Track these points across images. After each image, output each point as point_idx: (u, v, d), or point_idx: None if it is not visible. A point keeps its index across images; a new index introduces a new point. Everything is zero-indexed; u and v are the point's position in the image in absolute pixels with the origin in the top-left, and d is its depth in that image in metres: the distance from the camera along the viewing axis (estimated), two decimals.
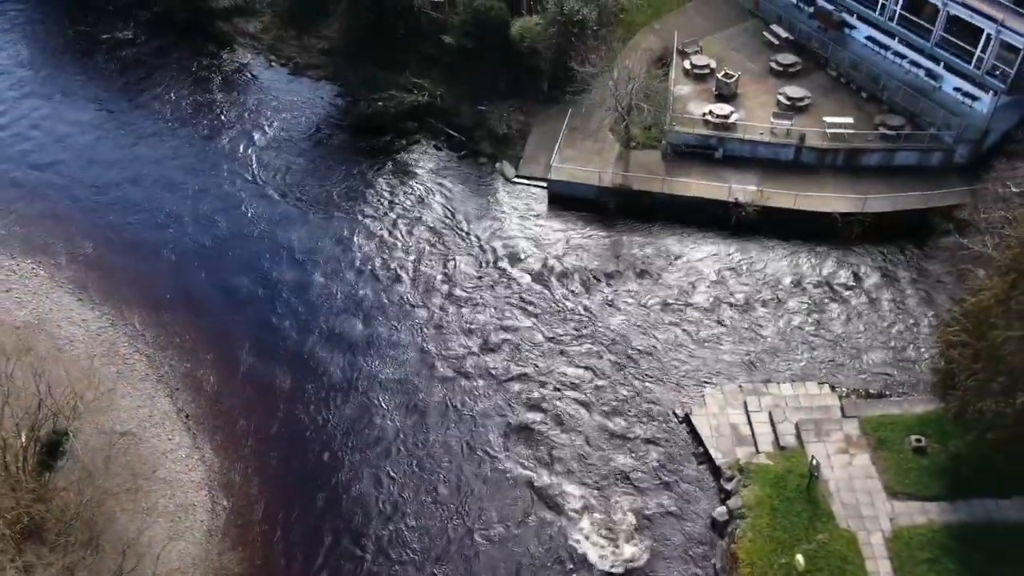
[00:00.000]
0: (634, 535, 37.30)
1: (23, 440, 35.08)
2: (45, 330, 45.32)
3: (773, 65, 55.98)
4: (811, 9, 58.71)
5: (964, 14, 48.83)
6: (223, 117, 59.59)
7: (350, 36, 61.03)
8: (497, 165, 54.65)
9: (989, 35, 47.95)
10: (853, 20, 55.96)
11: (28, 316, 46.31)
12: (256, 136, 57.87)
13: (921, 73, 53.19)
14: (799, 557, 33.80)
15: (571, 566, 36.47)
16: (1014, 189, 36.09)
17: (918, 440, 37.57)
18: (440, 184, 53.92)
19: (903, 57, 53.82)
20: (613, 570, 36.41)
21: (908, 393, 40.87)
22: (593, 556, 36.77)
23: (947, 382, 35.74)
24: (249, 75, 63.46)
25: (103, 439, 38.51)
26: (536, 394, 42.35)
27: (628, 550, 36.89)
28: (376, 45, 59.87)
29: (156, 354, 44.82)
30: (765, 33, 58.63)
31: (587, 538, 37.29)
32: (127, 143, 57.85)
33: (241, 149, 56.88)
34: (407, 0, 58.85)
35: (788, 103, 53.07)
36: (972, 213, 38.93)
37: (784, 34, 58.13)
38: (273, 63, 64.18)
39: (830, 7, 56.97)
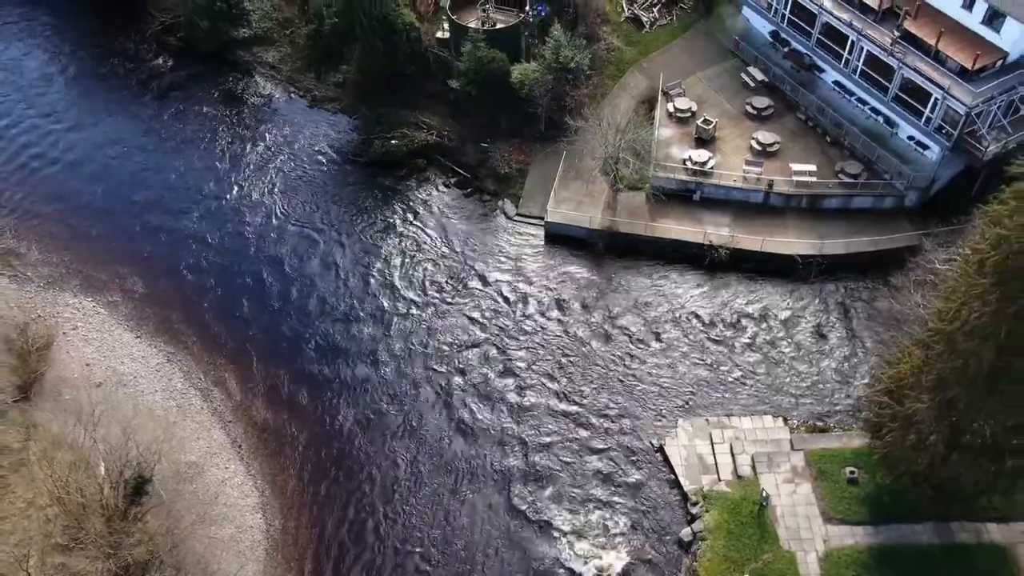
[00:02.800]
0: (614, 546, 45.42)
1: (111, 482, 42.72)
2: (111, 367, 52.65)
3: (748, 108, 61.86)
4: (786, 49, 64.38)
5: (916, 78, 54.64)
6: (252, 148, 65.61)
7: (364, 72, 66.39)
8: (499, 203, 61.09)
9: (936, 99, 53.93)
10: (823, 63, 61.71)
11: (95, 353, 53.42)
12: (281, 167, 64.07)
13: (880, 119, 59.32)
14: None
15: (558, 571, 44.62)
16: (939, 265, 42.81)
17: (852, 472, 45.16)
18: (450, 220, 60.44)
19: (865, 103, 59.84)
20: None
21: (847, 426, 48.32)
22: (577, 565, 44.86)
23: (875, 430, 43.07)
24: (271, 106, 69.15)
25: (173, 471, 46.27)
26: (527, 405, 50.24)
27: (608, 559, 44.99)
28: (388, 82, 65.50)
29: (209, 388, 52.11)
30: (743, 75, 64.24)
31: (572, 547, 45.29)
32: (157, 171, 64.24)
33: (269, 180, 63.22)
34: (417, 44, 64.37)
35: (760, 148, 59.23)
36: (903, 283, 45.71)
37: (760, 77, 63.74)
38: (292, 94, 69.83)
39: (803, 49, 62.65)
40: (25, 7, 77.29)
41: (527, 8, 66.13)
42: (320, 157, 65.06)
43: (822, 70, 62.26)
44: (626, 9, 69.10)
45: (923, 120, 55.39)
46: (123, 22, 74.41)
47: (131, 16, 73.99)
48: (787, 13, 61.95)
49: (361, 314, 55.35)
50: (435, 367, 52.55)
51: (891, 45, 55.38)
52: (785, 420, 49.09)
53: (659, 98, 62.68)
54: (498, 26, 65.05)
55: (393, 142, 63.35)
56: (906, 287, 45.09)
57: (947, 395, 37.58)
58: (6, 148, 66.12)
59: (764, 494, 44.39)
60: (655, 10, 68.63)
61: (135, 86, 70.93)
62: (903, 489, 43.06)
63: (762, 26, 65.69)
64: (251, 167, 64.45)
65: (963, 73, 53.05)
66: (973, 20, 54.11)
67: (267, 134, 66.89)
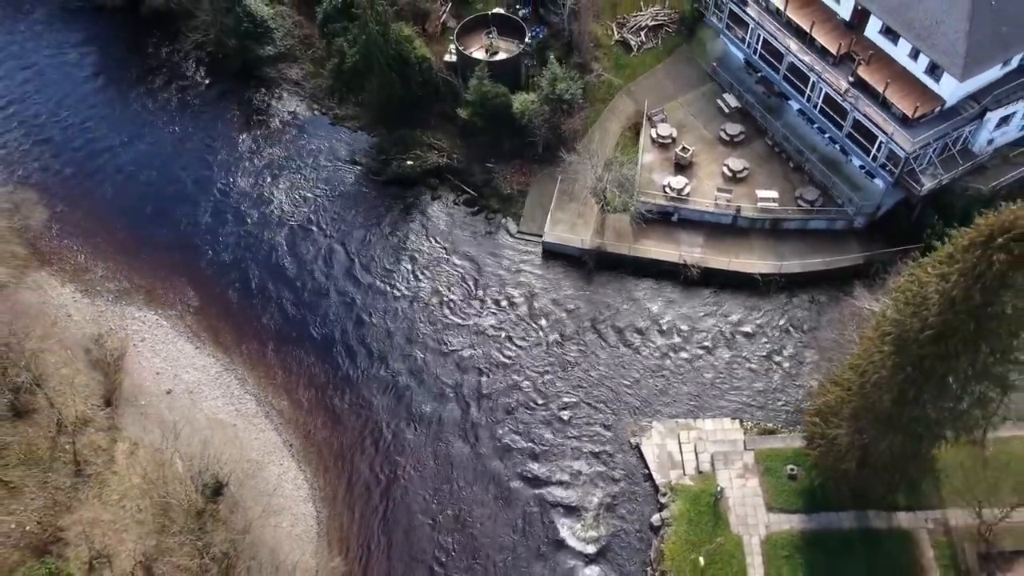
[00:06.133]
0: (598, 528, 56.26)
1: (192, 483, 53.18)
2: (177, 375, 62.42)
3: (722, 135, 69.84)
4: (758, 75, 71.86)
5: (865, 121, 62.56)
6: (282, 165, 73.67)
7: (381, 96, 73.65)
8: (502, 221, 69.83)
9: (881, 142, 62.01)
10: (788, 95, 69.38)
11: (162, 363, 63.03)
12: (309, 184, 72.47)
13: (837, 148, 67.50)
14: (700, 558, 52.52)
15: (552, 546, 55.36)
16: (867, 306, 52.16)
17: (792, 469, 55.44)
18: (460, 236, 69.20)
19: (824, 133, 67.89)
20: (583, 550, 55.58)
21: (791, 429, 58.40)
22: (568, 539, 55.70)
23: (809, 440, 53.17)
24: (296, 123, 76.76)
25: (240, 468, 56.54)
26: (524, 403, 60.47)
27: (592, 539, 55.84)
28: (402, 105, 73.05)
29: (261, 394, 62.00)
30: (719, 100, 71.88)
31: (564, 527, 56.09)
32: (195, 185, 72.39)
33: (300, 196, 71.63)
34: (428, 73, 71.80)
35: (730, 175, 67.56)
36: (840, 316, 55.08)
37: (734, 103, 71.40)
38: (315, 111, 77.46)
39: (771, 80, 70.17)
40: (64, 24, 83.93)
41: (527, 36, 73.22)
42: (345, 175, 73.19)
43: (789, 98, 69.93)
44: (616, 33, 76.07)
45: (871, 157, 63.59)
46: (160, 41, 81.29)
47: (167, 34, 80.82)
48: (759, 47, 69.21)
49: (382, 319, 64.68)
50: (435, 365, 62.32)
51: (844, 91, 63.03)
52: (741, 423, 59.17)
53: (644, 124, 70.56)
54: (500, 55, 72.33)
55: (408, 163, 71.53)
56: (842, 320, 54.51)
57: (859, 425, 47.61)
58: (69, 162, 73.97)
59: (719, 489, 54.82)
60: (642, 34, 75.60)
61: (171, 102, 78.13)
62: (831, 484, 53.55)
63: (738, 52, 72.87)
64: (281, 184, 72.55)
65: (905, 120, 60.95)
66: (918, 69, 61.65)
67: (296, 152, 74.57)
